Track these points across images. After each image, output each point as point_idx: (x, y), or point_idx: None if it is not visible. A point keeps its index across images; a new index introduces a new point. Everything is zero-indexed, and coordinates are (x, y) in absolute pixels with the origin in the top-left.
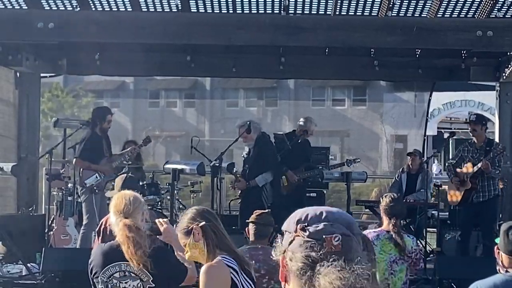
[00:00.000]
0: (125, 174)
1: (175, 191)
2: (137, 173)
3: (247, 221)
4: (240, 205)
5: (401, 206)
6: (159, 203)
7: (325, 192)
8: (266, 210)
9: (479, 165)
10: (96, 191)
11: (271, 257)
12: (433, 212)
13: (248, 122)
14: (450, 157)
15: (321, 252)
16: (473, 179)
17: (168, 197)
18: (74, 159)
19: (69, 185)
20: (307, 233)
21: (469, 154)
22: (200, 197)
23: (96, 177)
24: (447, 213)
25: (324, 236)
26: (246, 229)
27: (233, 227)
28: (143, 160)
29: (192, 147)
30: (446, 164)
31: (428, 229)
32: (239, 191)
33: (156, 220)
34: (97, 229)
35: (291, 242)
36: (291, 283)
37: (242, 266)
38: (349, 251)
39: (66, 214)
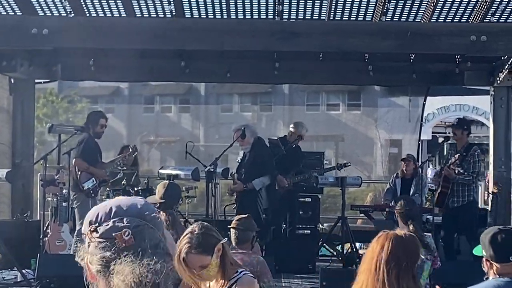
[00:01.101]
0: (168, 181)
1: None
2: (132, 178)
3: (228, 226)
4: (235, 209)
5: (415, 209)
6: None
7: (320, 197)
8: (246, 215)
9: (444, 171)
10: (92, 195)
11: (251, 260)
12: (428, 216)
13: (242, 127)
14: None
15: (114, 250)
16: (444, 183)
17: None
18: (74, 159)
19: (64, 191)
20: (98, 234)
21: (451, 158)
22: (195, 202)
23: (93, 181)
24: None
25: (113, 234)
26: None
27: (228, 233)
28: (139, 165)
29: (187, 152)
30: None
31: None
32: (235, 196)
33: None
34: None
35: (89, 245)
36: (100, 285)
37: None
38: (142, 240)
39: (61, 220)
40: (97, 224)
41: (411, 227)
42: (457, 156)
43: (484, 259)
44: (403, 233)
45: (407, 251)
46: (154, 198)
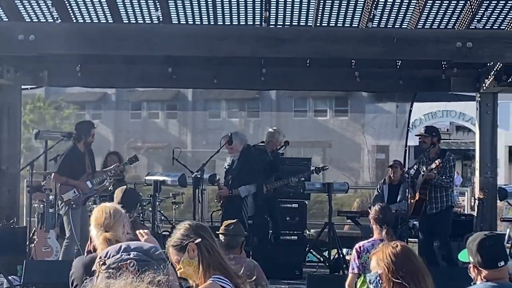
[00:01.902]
0: (125, 186)
1: (157, 203)
2: (119, 184)
3: (217, 232)
4: (221, 216)
5: (390, 214)
6: (141, 215)
7: (306, 203)
8: (235, 220)
9: (424, 175)
10: (73, 206)
11: (248, 263)
12: (414, 222)
13: (230, 134)
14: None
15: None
16: (422, 190)
17: (150, 209)
18: (53, 174)
19: (50, 197)
20: (106, 265)
21: (424, 165)
22: (182, 208)
23: (74, 192)
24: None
25: (119, 264)
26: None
27: (216, 238)
28: (126, 172)
29: (173, 158)
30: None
31: (409, 239)
32: (221, 202)
33: (137, 231)
34: (86, 248)
35: (97, 278)
36: None
37: (237, 285)
38: (145, 272)
39: (48, 226)
40: (106, 258)
41: (384, 232)
42: (437, 162)
43: (471, 265)
44: (401, 244)
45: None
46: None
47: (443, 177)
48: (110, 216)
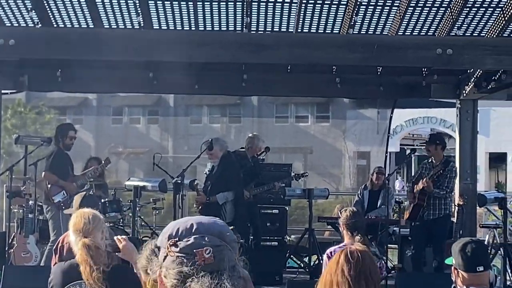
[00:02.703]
0: (84, 192)
1: (137, 208)
2: (99, 190)
3: None
4: None
5: (361, 220)
6: (121, 220)
7: (287, 208)
8: (231, 227)
9: (421, 183)
10: (63, 207)
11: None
12: (394, 228)
13: (210, 140)
14: (412, 173)
15: (193, 266)
16: (421, 196)
17: (130, 214)
18: (43, 173)
19: (30, 202)
20: (178, 248)
21: (426, 171)
22: (162, 214)
23: (64, 194)
24: (409, 230)
25: (194, 251)
26: None
27: None
28: (106, 177)
29: (154, 163)
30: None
31: (389, 245)
32: (200, 208)
33: (115, 237)
34: (54, 247)
35: (165, 258)
36: None
37: None
38: (222, 260)
39: (27, 231)
40: (177, 239)
41: (357, 238)
42: (438, 171)
43: (453, 267)
44: (361, 248)
45: (373, 266)
46: (71, 210)
47: (440, 189)
48: (89, 222)
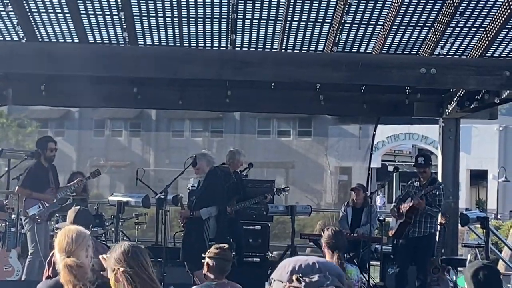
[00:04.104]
0: (79, 207)
1: (120, 223)
2: (82, 204)
3: (207, 255)
4: (182, 237)
5: (343, 240)
6: (103, 234)
7: (269, 225)
8: (226, 246)
9: (412, 202)
10: (39, 220)
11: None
12: (376, 246)
13: (194, 155)
14: (394, 189)
15: None
16: (408, 214)
17: (113, 229)
18: (16, 188)
19: (13, 216)
20: (303, 283)
21: (413, 189)
22: (144, 228)
23: (39, 206)
24: (391, 247)
25: None
26: (205, 263)
27: (177, 260)
28: (89, 191)
29: (137, 178)
30: (391, 207)
31: (371, 262)
32: (184, 222)
33: (100, 256)
34: (47, 259)
35: None
36: None
37: None
38: None
39: (9, 245)
40: (300, 274)
41: (335, 257)
42: (430, 189)
43: None
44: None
45: None
46: (65, 224)
47: (432, 206)
48: (72, 242)
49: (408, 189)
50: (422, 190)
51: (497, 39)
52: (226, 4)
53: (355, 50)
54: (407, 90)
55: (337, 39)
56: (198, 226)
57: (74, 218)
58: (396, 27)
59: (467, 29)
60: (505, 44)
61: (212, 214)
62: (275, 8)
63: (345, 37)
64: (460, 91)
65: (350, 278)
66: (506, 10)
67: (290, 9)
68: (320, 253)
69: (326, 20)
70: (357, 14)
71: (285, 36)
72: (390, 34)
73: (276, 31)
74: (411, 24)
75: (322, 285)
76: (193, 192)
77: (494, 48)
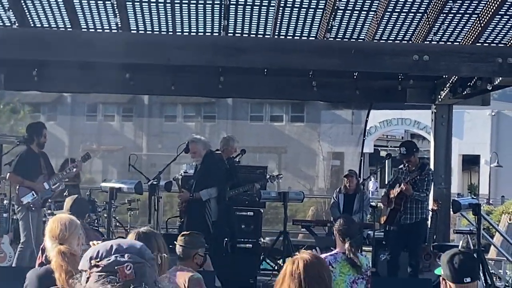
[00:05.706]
0: (76, 196)
1: (112, 209)
2: (74, 190)
3: (175, 242)
4: (184, 221)
5: (354, 227)
6: (96, 220)
7: (262, 211)
8: (189, 232)
9: (400, 187)
10: (33, 208)
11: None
12: (368, 232)
13: (187, 142)
14: (386, 174)
15: (115, 283)
16: (397, 200)
17: (105, 215)
18: (8, 174)
19: (5, 201)
20: (100, 268)
21: (402, 175)
22: (137, 214)
23: (33, 194)
24: (382, 233)
25: (116, 267)
26: None
27: (170, 246)
28: (81, 178)
29: (130, 164)
30: (382, 194)
31: (363, 248)
32: (183, 205)
33: (91, 243)
34: (41, 245)
35: (87, 280)
36: None
37: None
38: (143, 276)
39: (1, 231)
40: (98, 259)
41: (347, 245)
42: (416, 175)
43: (441, 278)
44: (311, 256)
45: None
46: (61, 212)
47: (420, 191)
48: (65, 229)
49: (397, 175)
50: (409, 175)
51: (490, 26)
52: None
53: (348, 37)
54: (399, 77)
55: (330, 25)
56: (199, 208)
57: (71, 206)
58: (389, 14)
59: (460, 15)
60: (497, 31)
61: (212, 196)
62: None
63: (338, 23)
64: (453, 78)
65: (361, 266)
66: None
67: None
68: (312, 238)
69: (319, 6)
70: (350, 0)
71: (278, 22)
72: (383, 21)
73: (269, 17)
74: (404, 10)
75: (119, 263)
76: (189, 177)
77: (487, 35)
